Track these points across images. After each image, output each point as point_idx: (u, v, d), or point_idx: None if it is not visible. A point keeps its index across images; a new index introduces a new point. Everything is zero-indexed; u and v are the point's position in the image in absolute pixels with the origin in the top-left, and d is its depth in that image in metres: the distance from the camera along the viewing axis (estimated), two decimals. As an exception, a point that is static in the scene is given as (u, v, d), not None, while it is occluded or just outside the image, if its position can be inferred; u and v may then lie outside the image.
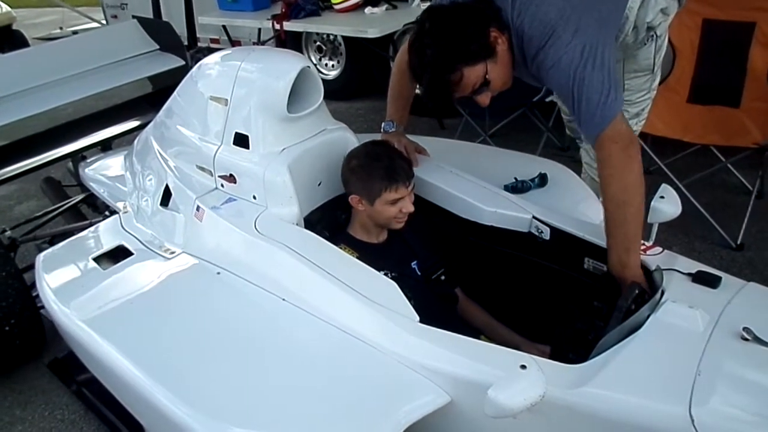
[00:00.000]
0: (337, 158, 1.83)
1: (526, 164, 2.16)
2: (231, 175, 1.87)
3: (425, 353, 1.38)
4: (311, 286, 1.57)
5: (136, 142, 2.48)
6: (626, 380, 1.24)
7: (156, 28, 3.29)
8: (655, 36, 1.99)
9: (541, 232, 1.79)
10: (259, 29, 4.49)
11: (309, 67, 1.78)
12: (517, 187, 1.99)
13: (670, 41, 3.16)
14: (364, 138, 1.99)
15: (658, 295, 1.41)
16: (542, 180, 2.04)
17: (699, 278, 1.45)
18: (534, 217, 1.80)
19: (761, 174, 3.07)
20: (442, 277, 1.87)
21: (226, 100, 1.85)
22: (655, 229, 1.68)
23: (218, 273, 1.76)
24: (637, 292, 1.43)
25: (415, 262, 1.85)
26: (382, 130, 2.16)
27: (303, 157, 1.81)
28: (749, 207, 2.94)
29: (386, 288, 1.51)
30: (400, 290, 1.50)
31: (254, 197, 1.82)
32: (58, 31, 8.64)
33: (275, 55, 1.96)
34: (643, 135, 3.03)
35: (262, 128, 1.80)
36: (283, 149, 1.80)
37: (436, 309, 1.78)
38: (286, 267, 1.63)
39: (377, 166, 1.73)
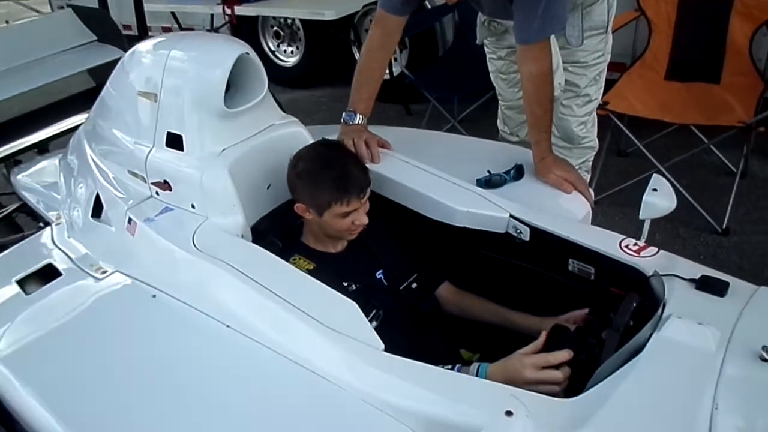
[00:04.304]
0: (288, 157, 1.61)
1: (500, 154, 1.97)
2: (165, 181, 1.63)
3: (392, 389, 1.17)
4: (258, 311, 1.35)
5: (70, 142, 2.23)
6: (631, 419, 1.05)
7: (93, 17, 3.00)
8: None
9: (520, 232, 1.60)
10: (212, 15, 4.24)
11: (248, 53, 1.55)
12: (491, 182, 1.79)
13: (645, 15, 3.06)
14: (323, 131, 1.78)
15: (660, 310, 1.22)
16: (518, 172, 1.84)
17: (704, 285, 1.27)
18: (511, 216, 1.61)
19: (745, 153, 2.91)
20: (413, 285, 1.68)
21: (155, 95, 1.62)
22: (647, 226, 1.51)
23: (154, 296, 1.52)
24: (635, 305, 1.23)
25: (380, 271, 1.65)
26: (342, 121, 1.97)
27: (246, 158, 1.59)
28: (734, 188, 2.80)
29: (345, 311, 1.30)
30: (362, 312, 1.30)
31: (193, 206, 1.59)
32: (4, 25, 8.21)
33: (209, 42, 1.73)
34: (619, 115, 2.89)
35: (197, 127, 1.57)
36: (223, 150, 1.58)
37: (407, 323, 1.60)
38: (229, 289, 1.40)
39: (327, 174, 1.51)
